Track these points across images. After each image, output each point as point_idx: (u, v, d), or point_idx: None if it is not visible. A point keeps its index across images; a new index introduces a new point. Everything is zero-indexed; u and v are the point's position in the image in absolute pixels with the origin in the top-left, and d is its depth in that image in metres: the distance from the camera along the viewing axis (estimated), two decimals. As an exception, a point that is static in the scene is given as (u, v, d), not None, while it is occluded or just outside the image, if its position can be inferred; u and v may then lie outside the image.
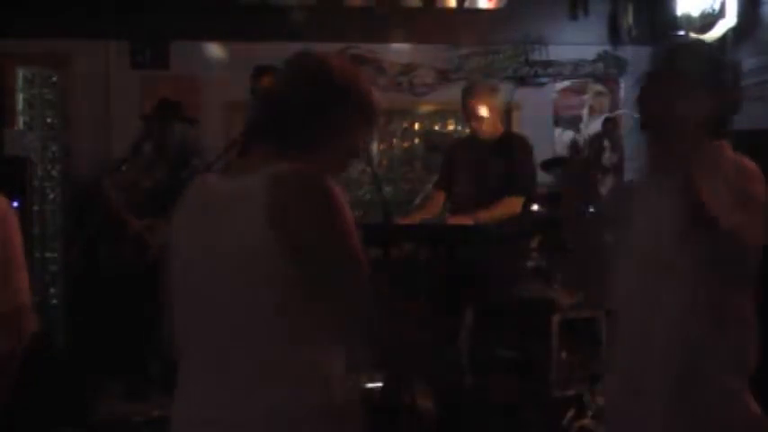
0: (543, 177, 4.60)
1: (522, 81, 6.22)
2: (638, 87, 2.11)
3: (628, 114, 5.95)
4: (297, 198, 1.50)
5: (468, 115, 4.38)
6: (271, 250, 1.49)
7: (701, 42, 2.48)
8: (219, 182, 1.67)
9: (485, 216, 4.18)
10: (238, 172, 1.64)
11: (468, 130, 4.67)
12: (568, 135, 6.37)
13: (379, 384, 3.46)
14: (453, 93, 5.50)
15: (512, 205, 4.21)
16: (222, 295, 1.57)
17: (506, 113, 4.78)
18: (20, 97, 5.89)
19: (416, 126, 6.32)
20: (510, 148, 4.33)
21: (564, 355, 4.23)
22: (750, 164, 1.99)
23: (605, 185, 6.05)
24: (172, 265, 1.72)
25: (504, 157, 4.28)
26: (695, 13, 5.35)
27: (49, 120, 5.98)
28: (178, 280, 1.70)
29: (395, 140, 6.28)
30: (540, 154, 4.54)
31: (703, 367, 1.95)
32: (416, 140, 6.29)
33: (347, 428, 1.62)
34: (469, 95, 4.36)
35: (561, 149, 6.29)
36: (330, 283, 1.54)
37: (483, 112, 4.32)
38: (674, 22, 5.60)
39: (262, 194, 1.50)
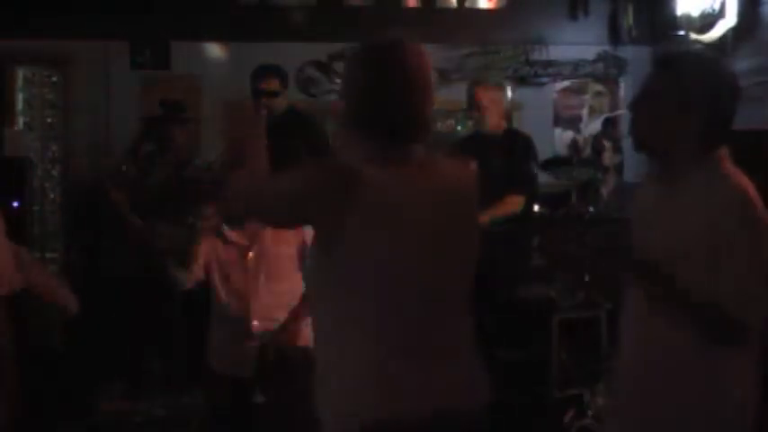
0: (543, 177, 4.61)
1: (522, 81, 6.22)
2: (629, 113, 2.10)
3: (628, 114, 5.94)
4: None
5: (474, 106, 4.37)
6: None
7: (692, 55, 2.43)
8: (410, 181, 1.75)
9: (484, 215, 4.16)
10: (422, 169, 1.78)
11: (470, 124, 4.64)
12: (568, 135, 6.37)
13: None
14: (453, 93, 5.51)
15: (512, 204, 4.19)
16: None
17: (507, 113, 4.76)
18: (20, 97, 5.90)
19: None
20: (513, 145, 4.31)
21: (564, 355, 4.24)
22: (742, 185, 1.91)
23: (605, 185, 6.05)
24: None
25: (506, 155, 4.26)
26: (695, 13, 5.35)
27: (49, 120, 5.99)
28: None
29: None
30: (540, 154, 4.54)
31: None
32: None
33: None
34: (476, 86, 4.37)
35: (561, 149, 6.30)
36: None
37: (487, 101, 4.31)
38: (674, 22, 5.60)
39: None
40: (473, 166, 1.85)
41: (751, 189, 1.91)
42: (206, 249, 3.27)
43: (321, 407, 1.75)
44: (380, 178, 1.69)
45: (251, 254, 3.25)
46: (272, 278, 3.24)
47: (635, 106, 2.08)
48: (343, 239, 1.67)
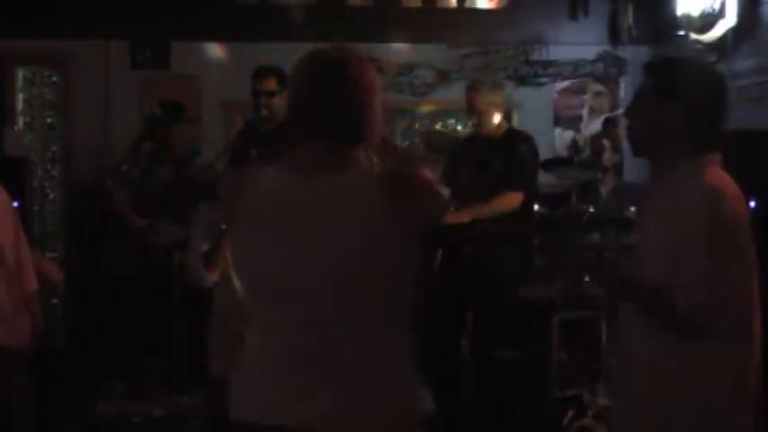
0: (543, 177, 4.61)
1: (522, 81, 6.22)
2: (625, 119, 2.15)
3: (625, 119, 5.94)
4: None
5: (472, 112, 4.35)
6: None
7: (678, 58, 2.48)
8: (300, 182, 1.73)
9: (482, 211, 4.15)
10: (319, 172, 1.72)
11: (470, 127, 4.64)
12: (568, 135, 6.37)
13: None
14: (453, 93, 5.51)
15: (510, 200, 4.17)
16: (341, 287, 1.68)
17: (507, 113, 4.76)
18: (20, 97, 5.90)
19: (416, 126, 6.32)
20: (513, 144, 4.31)
21: (564, 355, 4.24)
22: (716, 189, 1.93)
23: (605, 185, 6.06)
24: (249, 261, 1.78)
25: (506, 154, 4.26)
26: (695, 13, 5.35)
27: (49, 120, 5.99)
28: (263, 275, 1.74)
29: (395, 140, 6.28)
30: (540, 154, 4.53)
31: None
32: (416, 140, 6.29)
33: None
34: (473, 92, 4.33)
35: (561, 149, 6.30)
36: None
37: (485, 105, 4.29)
38: (674, 22, 5.60)
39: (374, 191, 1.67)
40: (386, 180, 1.71)
41: (728, 194, 1.93)
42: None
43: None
44: (269, 183, 1.75)
45: None
46: None
47: (628, 112, 2.15)
48: (233, 242, 1.82)
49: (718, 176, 1.97)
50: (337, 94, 1.73)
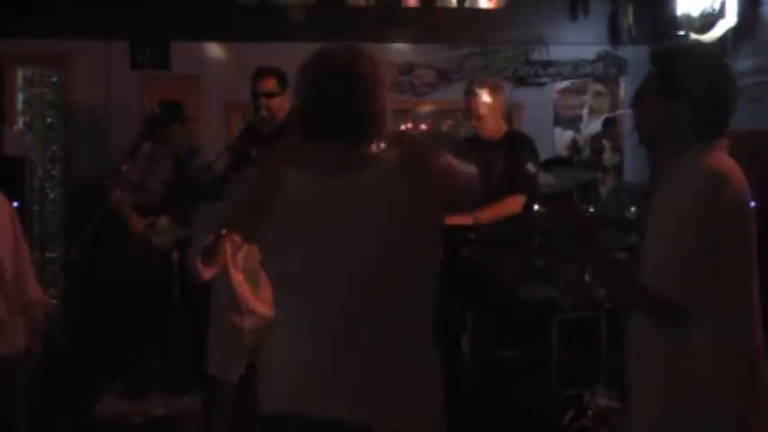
0: (543, 177, 4.60)
1: (522, 81, 6.22)
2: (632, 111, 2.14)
3: (628, 114, 5.94)
4: None
5: (470, 112, 4.35)
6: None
7: (682, 47, 2.46)
8: (324, 181, 1.75)
9: (484, 215, 4.16)
10: (343, 170, 1.75)
11: (469, 129, 4.64)
12: (568, 135, 6.37)
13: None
14: (453, 93, 5.51)
15: (512, 204, 4.18)
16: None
17: (507, 113, 4.76)
18: (20, 97, 5.90)
19: (416, 126, 6.32)
20: (513, 146, 4.30)
21: (564, 355, 4.23)
22: (718, 172, 1.91)
23: (605, 185, 6.06)
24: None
25: (506, 156, 4.26)
26: (695, 13, 5.35)
27: (49, 120, 5.98)
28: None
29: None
30: (540, 154, 4.53)
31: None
32: (416, 140, 6.28)
33: None
34: (471, 92, 4.33)
35: (561, 149, 6.30)
36: None
37: (484, 109, 4.29)
38: (674, 22, 5.60)
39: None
40: (407, 163, 1.77)
41: (732, 178, 1.91)
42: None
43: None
44: (299, 180, 1.75)
45: (240, 254, 3.24)
46: (264, 279, 3.23)
47: (634, 102, 2.14)
48: (265, 241, 1.78)
49: (723, 161, 1.95)
50: (348, 93, 1.74)
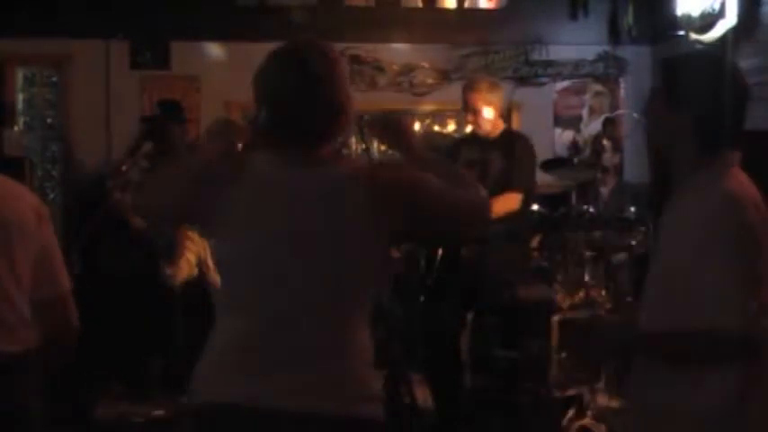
0: (543, 177, 4.61)
1: (522, 81, 6.22)
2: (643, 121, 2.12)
3: (628, 114, 5.95)
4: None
5: (468, 111, 4.35)
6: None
7: (691, 55, 2.43)
8: (284, 177, 1.76)
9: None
10: (303, 168, 1.76)
11: (467, 129, 4.65)
12: (568, 135, 6.37)
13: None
14: (453, 93, 5.50)
15: (509, 201, 4.17)
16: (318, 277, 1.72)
17: (507, 113, 4.76)
18: (20, 97, 5.90)
19: (416, 126, 6.32)
20: (511, 145, 4.30)
21: (564, 355, 4.23)
22: (735, 193, 1.83)
23: (605, 185, 6.06)
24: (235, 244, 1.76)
25: (504, 155, 4.26)
26: (695, 13, 5.35)
27: (49, 120, 5.99)
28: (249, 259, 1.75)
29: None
30: (540, 154, 4.53)
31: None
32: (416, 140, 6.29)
33: None
34: (470, 91, 4.32)
35: (561, 149, 6.30)
36: None
37: (482, 107, 4.29)
38: (674, 22, 5.60)
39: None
40: (373, 173, 1.77)
41: (751, 201, 1.85)
42: (196, 248, 3.24)
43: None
44: (262, 170, 1.74)
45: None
46: None
47: (644, 112, 2.09)
48: (216, 222, 1.74)
49: (739, 182, 1.89)
50: (309, 94, 1.74)
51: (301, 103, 1.75)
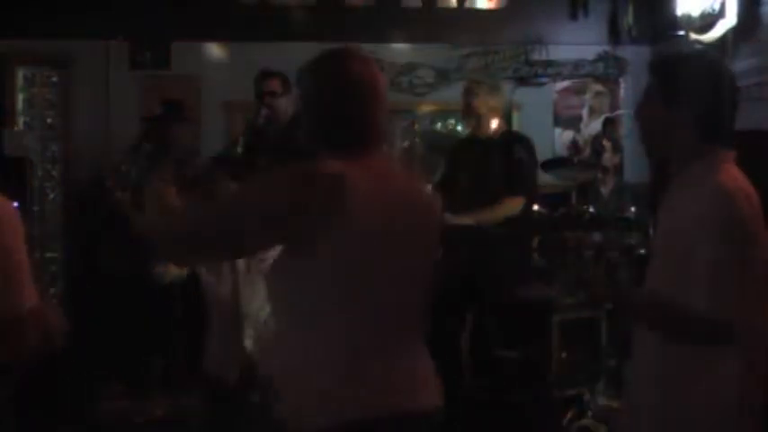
0: (543, 177, 4.61)
1: (522, 81, 6.21)
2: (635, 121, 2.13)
3: (628, 114, 5.94)
4: None
5: (468, 113, 4.35)
6: None
7: (682, 54, 2.46)
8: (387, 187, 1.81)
9: (485, 216, 4.17)
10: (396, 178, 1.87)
11: (467, 130, 4.65)
12: (568, 135, 6.37)
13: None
14: (453, 93, 5.50)
15: (512, 205, 4.19)
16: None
17: (507, 113, 4.75)
18: (20, 97, 5.90)
19: (416, 126, 6.32)
20: (511, 147, 4.31)
21: (564, 355, 4.24)
22: (731, 189, 1.88)
23: (605, 185, 6.05)
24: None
25: (504, 157, 4.26)
26: (695, 13, 5.35)
27: (49, 120, 5.98)
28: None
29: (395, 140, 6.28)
30: (540, 154, 4.53)
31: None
32: (416, 140, 6.29)
33: None
34: (469, 93, 4.33)
35: (561, 149, 6.30)
36: None
37: (482, 109, 4.29)
38: (674, 22, 5.59)
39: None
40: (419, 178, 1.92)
41: (743, 194, 1.89)
42: None
43: (287, 408, 1.74)
44: (361, 182, 1.71)
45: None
46: (259, 278, 3.23)
47: (636, 115, 2.10)
48: (329, 242, 1.67)
49: (732, 176, 1.93)
50: (375, 106, 1.81)
51: (372, 115, 1.82)
